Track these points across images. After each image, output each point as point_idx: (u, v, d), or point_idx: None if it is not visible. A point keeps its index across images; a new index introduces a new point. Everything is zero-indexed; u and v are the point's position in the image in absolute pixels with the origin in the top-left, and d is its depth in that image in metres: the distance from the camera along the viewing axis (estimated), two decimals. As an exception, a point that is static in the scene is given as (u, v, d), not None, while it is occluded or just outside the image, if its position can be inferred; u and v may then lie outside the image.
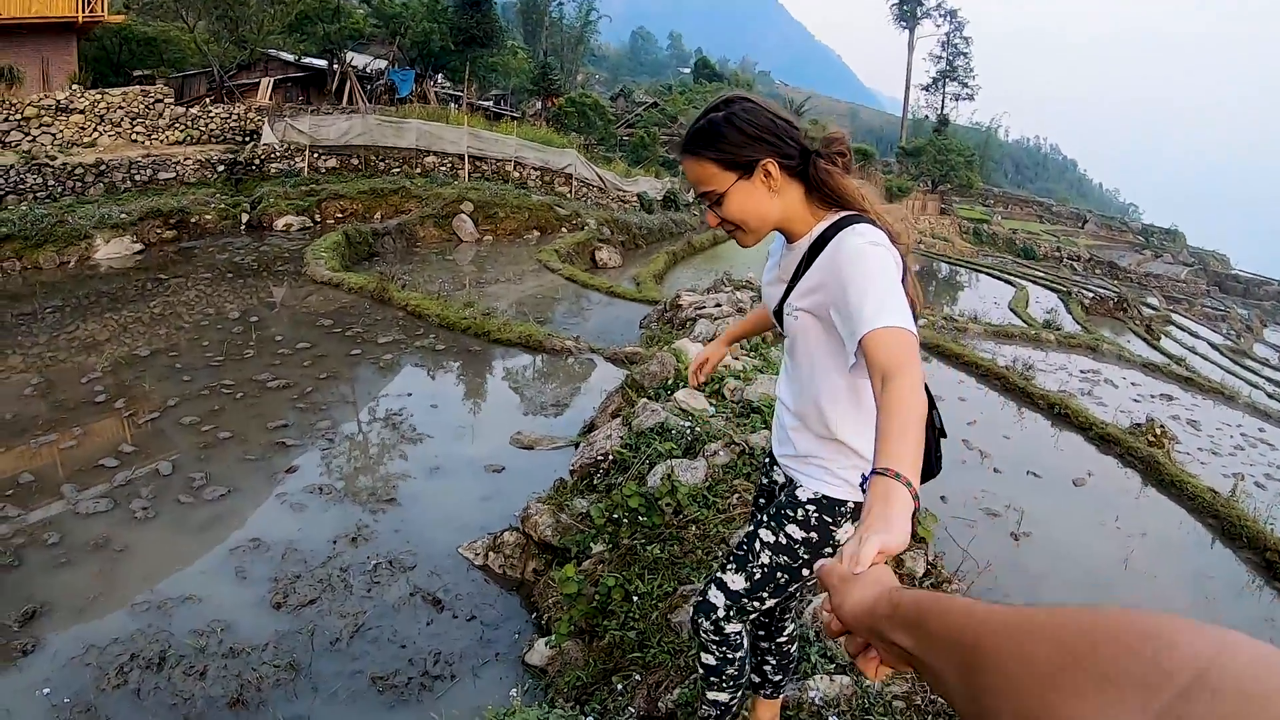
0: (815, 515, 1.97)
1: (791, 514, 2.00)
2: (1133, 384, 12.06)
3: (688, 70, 70.45)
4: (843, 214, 1.82)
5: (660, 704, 3.11)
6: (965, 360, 10.71)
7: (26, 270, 11.97)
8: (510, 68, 35.38)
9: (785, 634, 2.46)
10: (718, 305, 9.55)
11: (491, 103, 33.74)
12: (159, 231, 14.23)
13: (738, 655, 2.23)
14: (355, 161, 19.43)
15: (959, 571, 4.24)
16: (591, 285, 13.59)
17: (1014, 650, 0.55)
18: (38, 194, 14.04)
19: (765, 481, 2.30)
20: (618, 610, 3.82)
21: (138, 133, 17.29)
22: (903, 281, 1.71)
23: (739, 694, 2.35)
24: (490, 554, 4.91)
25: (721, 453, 4.81)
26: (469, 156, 20.78)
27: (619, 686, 3.38)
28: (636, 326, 10.43)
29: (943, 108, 59.07)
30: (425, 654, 4.07)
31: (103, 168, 15.19)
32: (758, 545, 2.06)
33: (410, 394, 7.77)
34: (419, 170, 20.04)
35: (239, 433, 6.57)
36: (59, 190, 14.42)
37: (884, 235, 1.75)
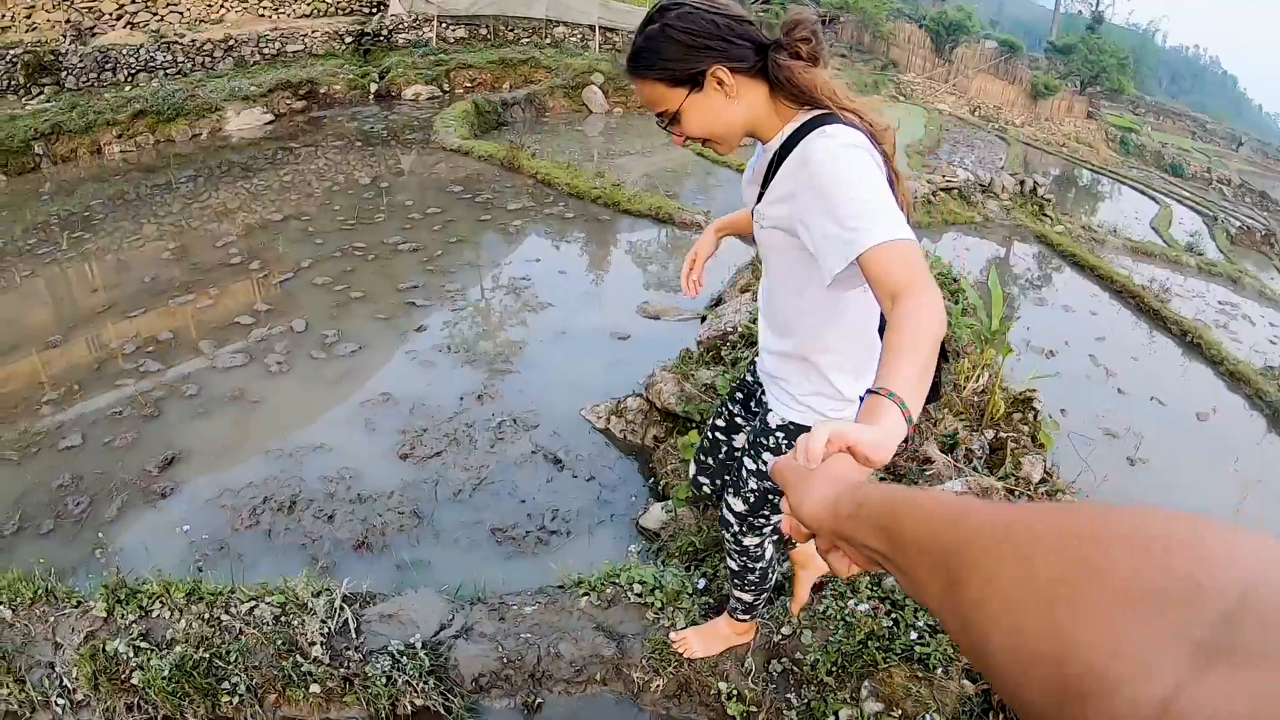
0: (785, 442, 1.95)
1: (765, 442, 1.99)
2: (1270, 324, 11.26)
3: (827, -61, 66.50)
4: (813, 113, 1.60)
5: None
6: (1101, 273, 10.38)
7: (159, 144, 12.26)
8: (641, -65, 34.10)
9: None
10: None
11: (622, -28, 32.67)
12: (288, 102, 14.37)
13: (758, 565, 2.33)
14: (484, 31, 19.08)
15: (1074, 484, 4.06)
16: (722, 162, 13.06)
17: (1008, 558, 0.44)
18: (168, 71, 14.23)
19: (749, 379, 2.24)
20: (735, 480, 3.69)
21: (265, 7, 17.31)
22: (890, 187, 1.49)
23: (763, 596, 2.50)
24: (612, 418, 4.82)
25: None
26: (599, 27, 20.14)
27: (730, 554, 3.29)
28: (768, 205, 10.01)
29: (1097, 4, 54.38)
30: (543, 510, 4.04)
31: (231, 43, 15.29)
32: (744, 473, 2.09)
33: (538, 259, 7.68)
34: (549, 40, 19.54)
35: (370, 293, 6.62)
36: (189, 66, 14.60)
37: (861, 135, 1.54)
